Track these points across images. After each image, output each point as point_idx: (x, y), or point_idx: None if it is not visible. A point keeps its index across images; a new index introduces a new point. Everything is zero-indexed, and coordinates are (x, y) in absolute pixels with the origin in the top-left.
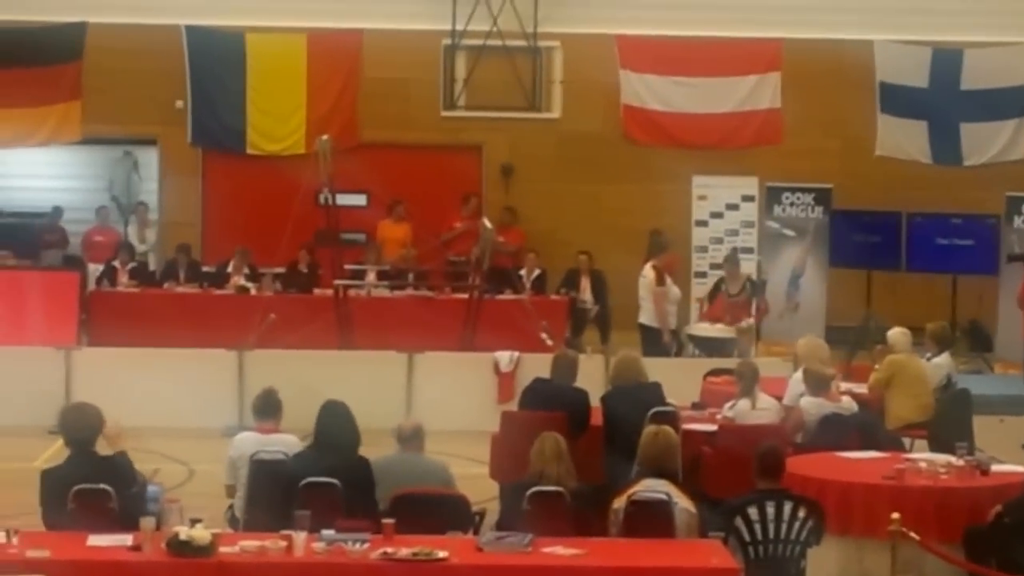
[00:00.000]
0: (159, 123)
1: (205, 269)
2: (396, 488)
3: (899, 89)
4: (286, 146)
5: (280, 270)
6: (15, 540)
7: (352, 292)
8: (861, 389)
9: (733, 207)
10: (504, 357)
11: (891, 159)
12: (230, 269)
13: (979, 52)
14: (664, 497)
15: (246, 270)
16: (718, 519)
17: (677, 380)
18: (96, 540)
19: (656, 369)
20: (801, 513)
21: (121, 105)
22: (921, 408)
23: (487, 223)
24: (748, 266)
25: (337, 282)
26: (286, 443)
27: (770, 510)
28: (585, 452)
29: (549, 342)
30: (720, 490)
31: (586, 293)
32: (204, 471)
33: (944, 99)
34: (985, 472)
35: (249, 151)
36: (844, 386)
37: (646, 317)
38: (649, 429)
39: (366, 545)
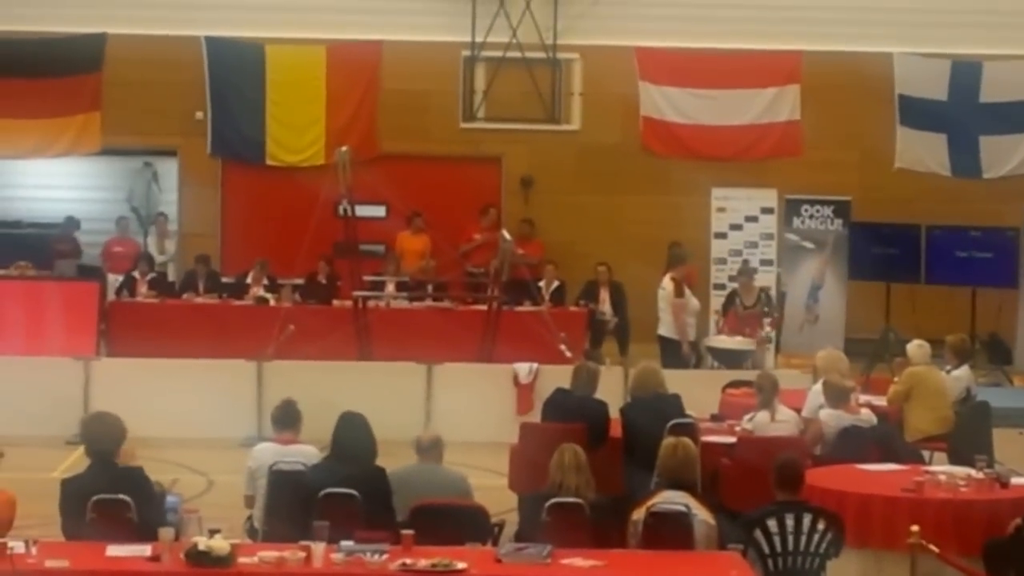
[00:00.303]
0: (179, 134)
1: (224, 280)
2: (415, 499)
3: (918, 102)
4: (305, 157)
5: (299, 281)
6: (34, 550)
7: (371, 303)
8: (880, 401)
9: (752, 219)
10: (523, 369)
11: (910, 172)
12: (249, 280)
13: (998, 65)
14: (683, 509)
15: (265, 281)
16: (737, 531)
17: (696, 392)
18: (115, 550)
19: (675, 381)
20: (820, 525)
21: (141, 116)
22: (940, 421)
23: (506, 235)
24: (767, 278)
25: (356, 293)
26: (305, 454)
27: (789, 522)
28: (604, 464)
29: (568, 354)
30: (739, 502)
31: (605, 305)
32: (223, 482)
33: (963, 112)
34: (1004, 485)
35: (268, 162)
36: (863, 398)
37: (665, 329)
38: (668, 441)
39: (385, 556)
